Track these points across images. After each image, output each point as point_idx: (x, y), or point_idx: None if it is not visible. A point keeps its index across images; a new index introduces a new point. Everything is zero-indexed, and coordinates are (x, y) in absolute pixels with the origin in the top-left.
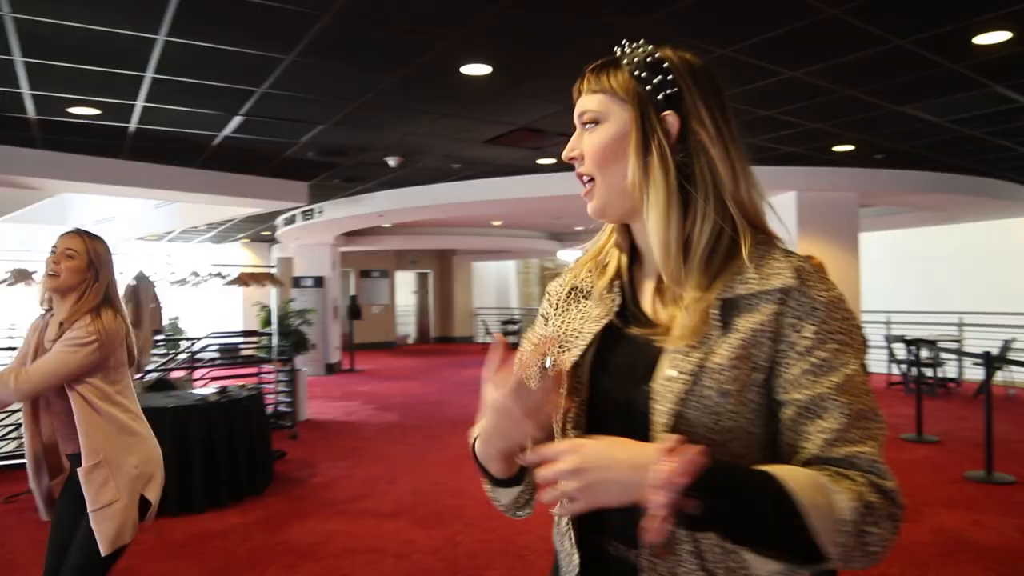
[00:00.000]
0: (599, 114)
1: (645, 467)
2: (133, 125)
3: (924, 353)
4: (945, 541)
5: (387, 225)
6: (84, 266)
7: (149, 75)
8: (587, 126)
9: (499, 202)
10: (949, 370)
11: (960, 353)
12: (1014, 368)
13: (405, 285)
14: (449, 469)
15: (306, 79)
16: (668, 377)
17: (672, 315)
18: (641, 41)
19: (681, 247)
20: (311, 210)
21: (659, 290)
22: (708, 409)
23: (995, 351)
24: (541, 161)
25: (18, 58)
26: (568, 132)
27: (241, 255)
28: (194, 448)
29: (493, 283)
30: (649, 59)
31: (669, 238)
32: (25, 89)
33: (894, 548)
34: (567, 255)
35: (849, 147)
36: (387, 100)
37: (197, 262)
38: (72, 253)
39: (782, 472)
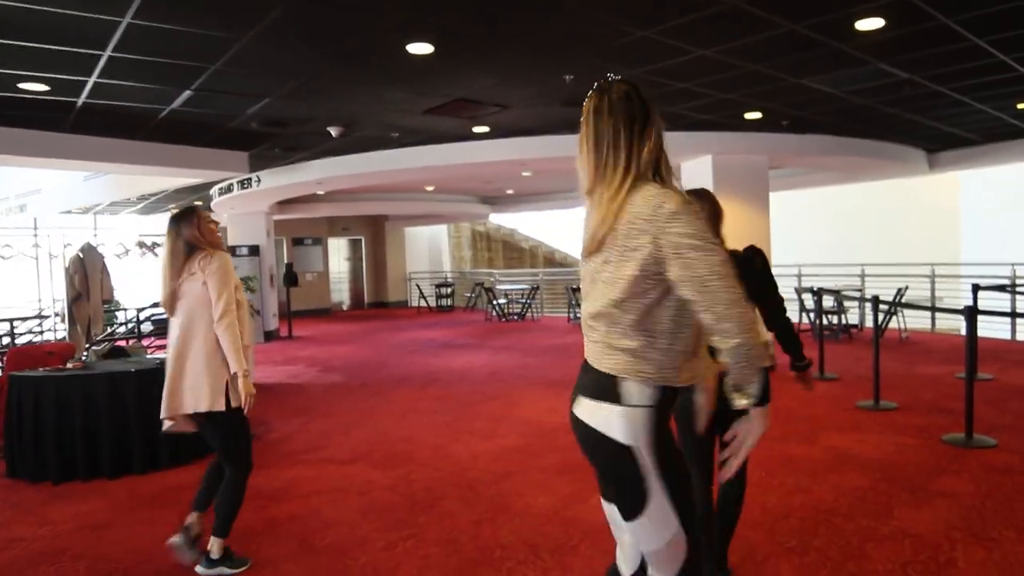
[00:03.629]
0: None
1: None
2: (81, 100)
3: (828, 302)
4: (834, 457)
5: (320, 192)
6: None
7: (107, 54)
8: None
9: (434, 168)
10: (853, 317)
11: (852, 298)
12: (908, 313)
13: (338, 252)
14: (397, 420)
15: (259, 57)
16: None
17: None
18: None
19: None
20: (248, 179)
21: None
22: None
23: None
24: (477, 129)
25: None
26: (500, 102)
27: None
28: (157, 409)
29: (425, 247)
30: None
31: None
32: None
33: (791, 462)
34: (498, 218)
35: (758, 114)
36: (334, 76)
37: (125, 234)
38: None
39: None
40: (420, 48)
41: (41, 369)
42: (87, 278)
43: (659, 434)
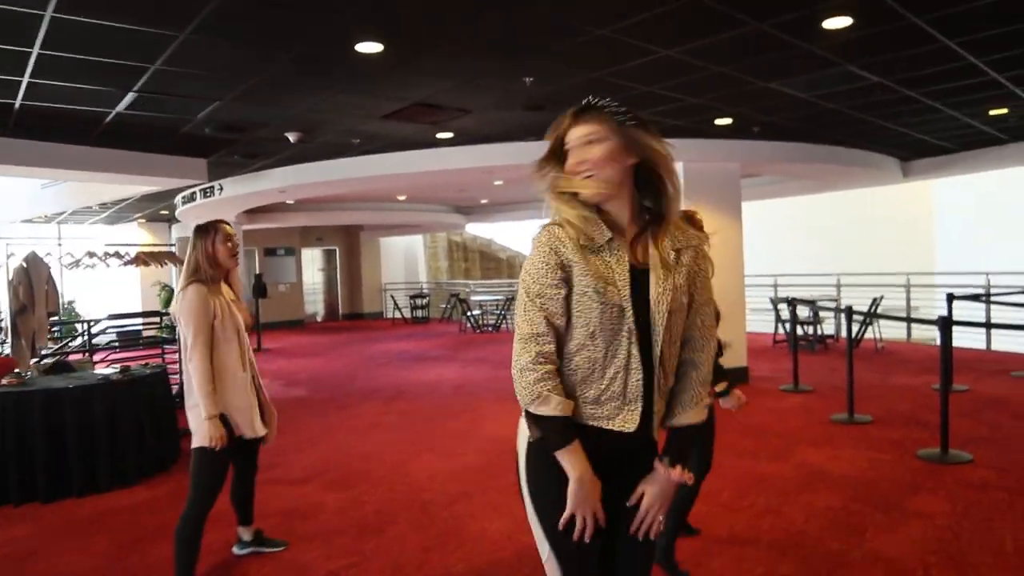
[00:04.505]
0: (597, 136)
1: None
2: (19, 102)
3: (803, 312)
4: (806, 474)
5: (290, 202)
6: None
7: (35, 51)
8: (591, 144)
9: (400, 176)
10: (828, 328)
11: (828, 308)
12: (884, 323)
13: (312, 262)
14: (358, 437)
15: (201, 56)
16: (657, 292)
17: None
18: (608, 99)
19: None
20: (211, 187)
21: (633, 243)
22: (678, 304)
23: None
24: (440, 135)
25: None
26: (460, 107)
27: (138, 235)
28: (98, 428)
29: (401, 258)
30: (616, 107)
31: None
32: None
33: (762, 481)
34: (475, 228)
35: (728, 120)
36: (283, 77)
37: (91, 243)
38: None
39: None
40: (369, 47)
41: None
42: (32, 289)
43: (533, 453)
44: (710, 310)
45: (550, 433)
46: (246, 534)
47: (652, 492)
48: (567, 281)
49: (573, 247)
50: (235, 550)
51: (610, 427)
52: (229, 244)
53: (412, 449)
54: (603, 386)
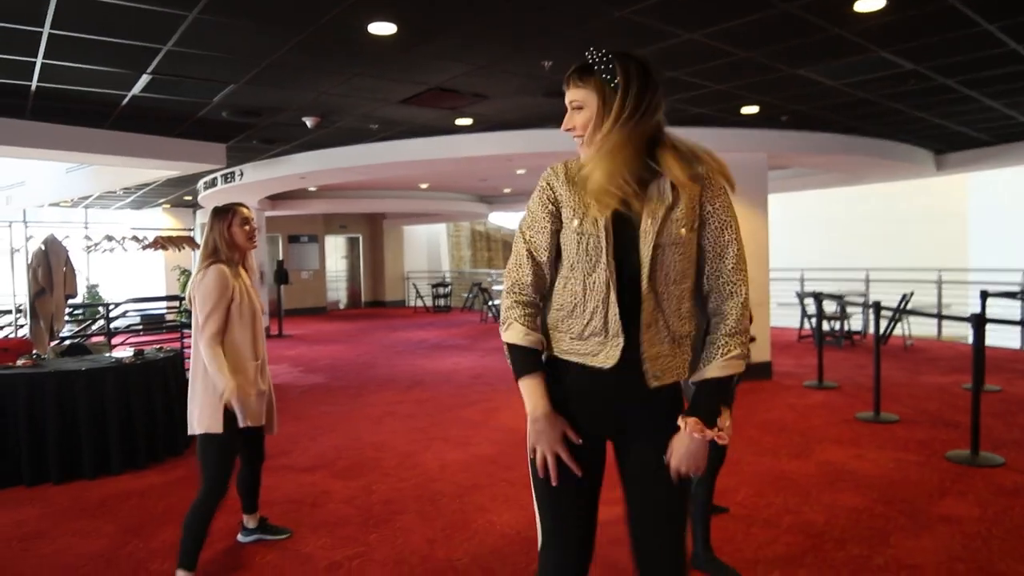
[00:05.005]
0: (582, 103)
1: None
2: (35, 84)
3: (830, 307)
4: (828, 472)
5: (312, 188)
6: None
7: (46, 31)
8: (577, 110)
9: (420, 163)
10: (856, 323)
11: (855, 303)
12: (914, 320)
13: (335, 250)
14: (372, 425)
15: (212, 36)
16: (646, 224)
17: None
18: (604, 51)
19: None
20: (232, 173)
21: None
22: (672, 238)
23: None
24: (460, 122)
25: None
26: (478, 92)
27: (162, 220)
28: (110, 411)
29: (424, 246)
30: (608, 65)
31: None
32: None
33: (781, 479)
34: (498, 218)
35: (755, 108)
36: (296, 59)
37: (116, 228)
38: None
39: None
40: (382, 28)
41: None
42: (50, 272)
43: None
44: (732, 254)
45: (513, 361)
46: (251, 521)
47: (677, 452)
48: (557, 216)
49: (565, 180)
50: (240, 537)
51: (593, 363)
52: (247, 227)
53: (425, 438)
54: (585, 321)
